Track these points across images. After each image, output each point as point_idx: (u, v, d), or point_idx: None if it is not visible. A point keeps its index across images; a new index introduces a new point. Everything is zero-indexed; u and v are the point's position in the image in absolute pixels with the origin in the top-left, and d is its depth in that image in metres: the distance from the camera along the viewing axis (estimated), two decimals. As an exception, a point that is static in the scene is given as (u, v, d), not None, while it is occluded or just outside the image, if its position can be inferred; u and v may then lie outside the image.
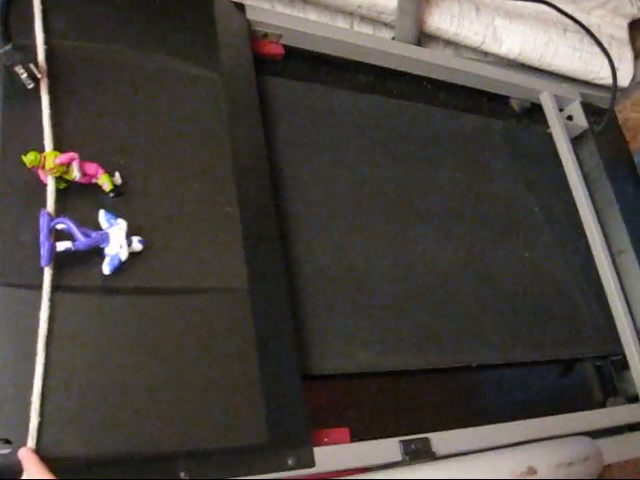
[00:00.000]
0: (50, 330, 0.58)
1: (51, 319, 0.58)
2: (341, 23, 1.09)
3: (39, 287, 0.59)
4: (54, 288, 0.59)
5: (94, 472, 0.58)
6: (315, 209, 0.87)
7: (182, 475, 0.62)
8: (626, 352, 1.02)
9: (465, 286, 0.95)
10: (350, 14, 1.09)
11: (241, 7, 0.90)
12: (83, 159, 0.64)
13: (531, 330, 0.98)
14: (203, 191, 0.72)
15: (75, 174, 0.64)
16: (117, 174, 0.67)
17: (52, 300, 0.59)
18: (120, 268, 0.63)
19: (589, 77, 1.31)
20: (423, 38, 1.13)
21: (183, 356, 0.63)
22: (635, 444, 0.89)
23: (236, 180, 0.74)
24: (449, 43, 1.18)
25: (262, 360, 0.67)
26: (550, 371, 1.03)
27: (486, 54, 1.22)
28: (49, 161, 0.62)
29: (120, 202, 0.67)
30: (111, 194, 0.67)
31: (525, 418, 0.87)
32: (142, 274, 0.64)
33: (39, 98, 0.67)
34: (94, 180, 0.65)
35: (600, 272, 1.08)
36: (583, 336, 1.03)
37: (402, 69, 1.06)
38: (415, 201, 0.98)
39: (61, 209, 0.63)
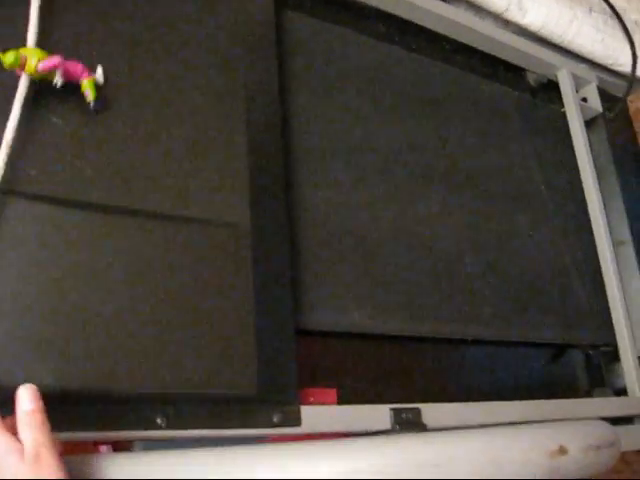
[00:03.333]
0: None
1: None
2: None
3: (21, 194, 0.53)
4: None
5: (64, 409, 0.52)
6: (320, 155, 0.81)
7: (158, 421, 0.57)
8: (618, 344, 0.99)
9: (466, 256, 0.90)
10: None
11: None
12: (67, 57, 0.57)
13: (527, 311, 0.94)
14: (211, 114, 0.65)
15: (57, 80, 0.57)
16: (99, 69, 0.60)
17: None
18: (117, 187, 0.57)
19: (607, 62, 1.27)
20: (448, -3, 1.08)
21: (175, 290, 0.57)
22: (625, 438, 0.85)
23: (246, 109, 0.67)
24: (471, 6, 1.12)
25: (257, 306, 0.61)
26: (540, 354, 0.99)
27: (507, 23, 1.16)
28: (29, 65, 0.55)
29: (115, 113, 0.61)
30: (92, 104, 0.60)
31: (511, 399, 0.84)
32: (140, 196, 0.58)
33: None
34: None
35: (601, 260, 1.04)
36: (577, 323, 1.00)
37: (423, 24, 1.00)
38: (422, 160, 0.92)
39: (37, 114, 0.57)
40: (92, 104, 0.60)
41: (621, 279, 1.04)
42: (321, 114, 0.83)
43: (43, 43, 0.58)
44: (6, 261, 0.52)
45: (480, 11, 1.14)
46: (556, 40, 1.20)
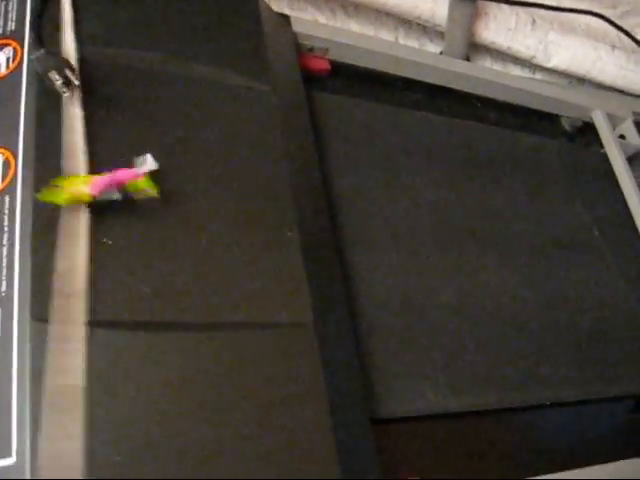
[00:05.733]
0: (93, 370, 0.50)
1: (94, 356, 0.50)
2: (385, 37, 1.03)
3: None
4: (93, 324, 0.51)
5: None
6: (369, 233, 0.80)
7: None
8: None
9: (532, 316, 0.87)
10: (394, 28, 1.03)
11: (287, 19, 0.84)
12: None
13: (603, 364, 0.90)
14: (260, 212, 0.64)
15: (116, 196, 0.56)
16: (148, 157, 0.57)
17: (95, 340, 0.51)
18: (174, 301, 0.55)
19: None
20: (471, 54, 1.07)
21: (246, 400, 0.55)
22: None
23: (294, 201, 0.66)
24: (496, 59, 1.12)
25: (332, 403, 0.58)
26: (622, 407, 0.94)
27: (534, 71, 1.16)
28: (82, 195, 0.54)
29: (166, 225, 0.59)
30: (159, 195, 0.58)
31: (601, 460, 0.80)
32: (197, 308, 0.56)
33: (70, 109, 0.60)
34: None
35: (668, 300, 1.00)
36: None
37: (451, 85, 0.99)
38: (472, 224, 0.90)
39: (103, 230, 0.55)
40: (159, 195, 0.57)
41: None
42: (365, 193, 0.82)
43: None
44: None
45: (505, 64, 1.14)
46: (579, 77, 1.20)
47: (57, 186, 0.54)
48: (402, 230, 0.83)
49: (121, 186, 0.56)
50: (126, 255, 0.56)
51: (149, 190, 0.57)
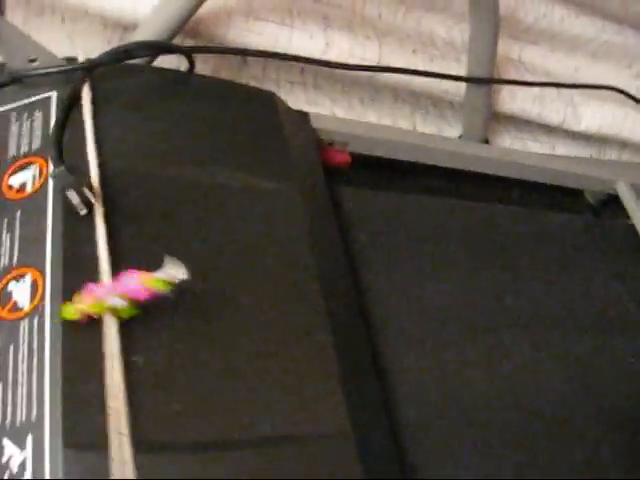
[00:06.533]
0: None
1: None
2: (403, 125, 1.04)
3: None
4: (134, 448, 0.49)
5: None
6: (401, 327, 0.78)
7: None
8: None
9: (569, 400, 0.84)
10: (411, 114, 1.04)
11: (305, 116, 0.85)
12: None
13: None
14: (290, 316, 0.63)
15: (121, 305, 0.53)
16: (168, 266, 0.54)
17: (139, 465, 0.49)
18: (209, 418, 0.54)
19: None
20: (489, 135, 1.08)
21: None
22: None
23: (325, 301, 0.65)
24: (516, 139, 1.12)
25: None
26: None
27: (554, 147, 1.16)
28: (91, 308, 0.53)
29: (194, 335, 0.58)
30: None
31: None
32: (233, 424, 0.54)
33: (94, 225, 0.59)
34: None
35: None
36: None
37: (473, 169, 0.99)
38: (504, 308, 0.88)
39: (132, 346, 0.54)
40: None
41: None
42: (394, 284, 0.81)
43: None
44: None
45: (525, 143, 1.14)
46: (610, 139, 1.20)
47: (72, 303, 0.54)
48: (434, 320, 0.81)
49: (125, 295, 0.53)
50: (157, 372, 0.55)
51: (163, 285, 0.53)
